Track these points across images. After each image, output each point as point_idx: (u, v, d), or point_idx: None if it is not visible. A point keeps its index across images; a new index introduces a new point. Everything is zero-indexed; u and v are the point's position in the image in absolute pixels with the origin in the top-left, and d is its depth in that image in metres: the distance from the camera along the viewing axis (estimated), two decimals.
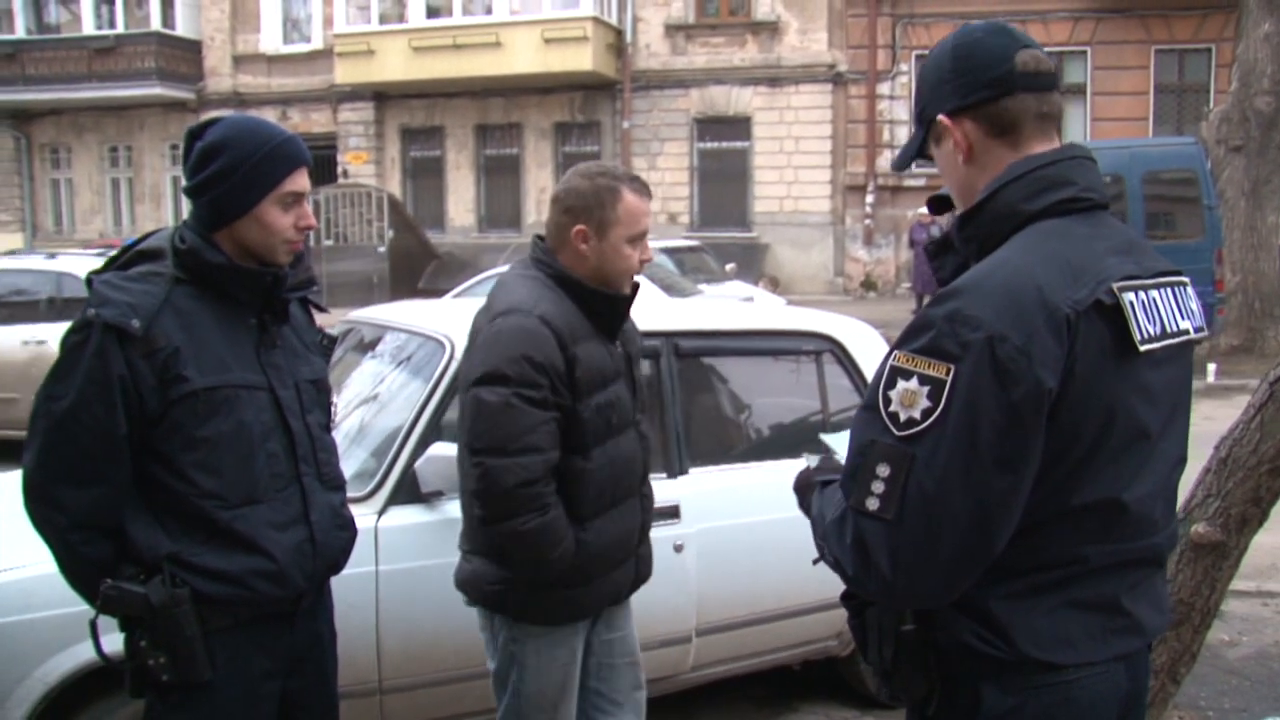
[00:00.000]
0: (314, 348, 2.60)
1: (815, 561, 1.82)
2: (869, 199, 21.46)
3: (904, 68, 21.31)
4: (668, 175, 22.56)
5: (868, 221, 21.64)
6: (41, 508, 2.24)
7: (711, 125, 22.57)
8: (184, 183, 2.41)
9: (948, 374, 1.54)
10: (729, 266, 16.41)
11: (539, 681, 2.89)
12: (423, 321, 3.96)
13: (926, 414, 1.55)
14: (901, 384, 1.58)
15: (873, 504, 1.59)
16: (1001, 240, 1.68)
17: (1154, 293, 1.67)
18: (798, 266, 21.86)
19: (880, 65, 21.37)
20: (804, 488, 1.96)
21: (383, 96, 24.09)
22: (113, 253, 2.47)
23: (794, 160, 21.92)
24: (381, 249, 21.45)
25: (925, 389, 1.55)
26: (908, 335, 1.62)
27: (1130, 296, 1.62)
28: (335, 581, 2.76)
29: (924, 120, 1.81)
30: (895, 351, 1.62)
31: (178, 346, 2.25)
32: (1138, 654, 1.75)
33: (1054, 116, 1.75)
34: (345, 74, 23.18)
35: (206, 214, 2.35)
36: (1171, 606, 3.01)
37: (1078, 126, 20.09)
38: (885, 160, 21.41)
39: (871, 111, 21.47)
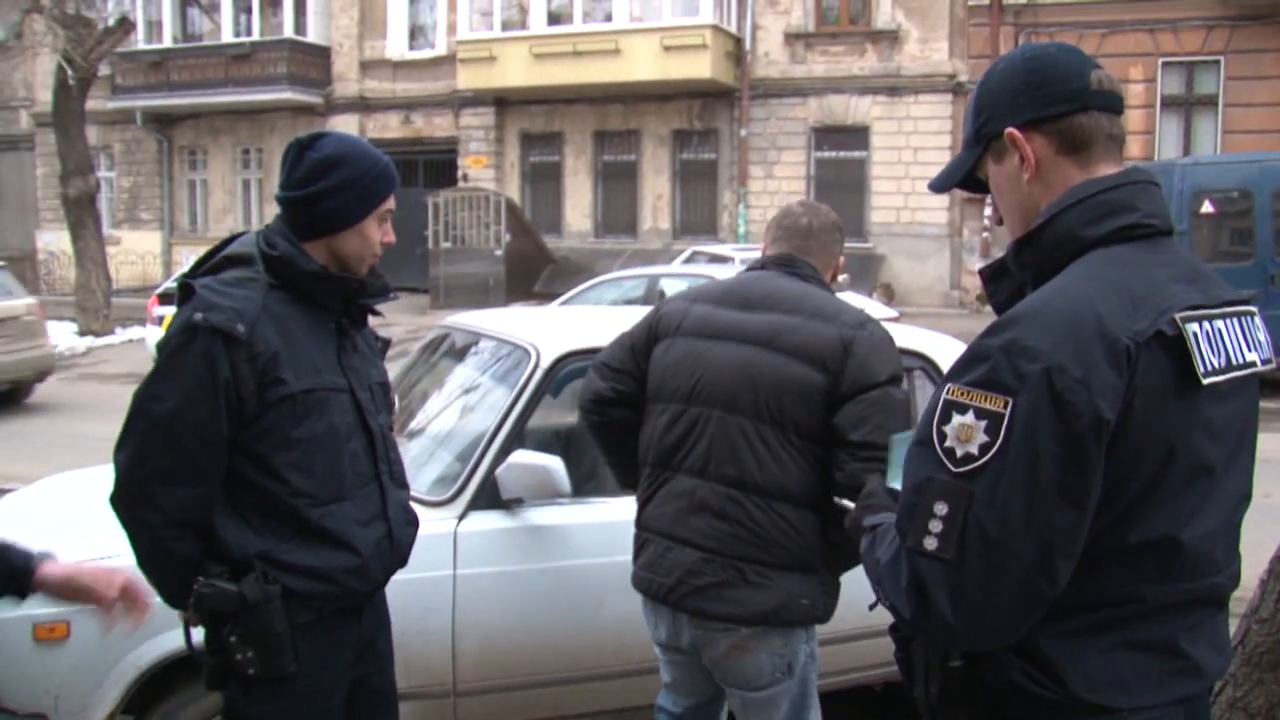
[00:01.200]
0: (377, 352, 2.69)
1: (872, 606, 1.78)
2: (987, 211, 20.96)
3: None
4: (785, 184, 22.35)
5: (985, 234, 21.16)
6: (136, 506, 2.30)
7: (829, 134, 22.31)
8: (282, 190, 2.46)
9: (1005, 407, 1.49)
10: (842, 277, 16.05)
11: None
12: (512, 330, 4.01)
13: (984, 449, 1.50)
14: (957, 418, 1.53)
15: (931, 543, 1.54)
16: (1059, 267, 1.62)
17: (1219, 323, 1.60)
18: (913, 278, 21.53)
19: None
20: (853, 531, 1.92)
21: (503, 102, 24.32)
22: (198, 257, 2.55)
23: (912, 171, 21.48)
24: (498, 252, 21.67)
25: (982, 423, 1.50)
26: (962, 367, 1.57)
27: (1194, 327, 1.56)
28: (413, 584, 2.82)
29: (983, 136, 1.75)
30: (949, 384, 1.57)
31: (276, 351, 2.32)
32: (1198, 698, 1.67)
33: (1121, 140, 1.70)
34: (467, 80, 23.48)
35: (310, 222, 2.43)
36: (1269, 648, 2.88)
37: (1208, 139, 19.41)
38: None
39: None
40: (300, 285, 2.41)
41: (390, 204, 2.51)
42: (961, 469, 1.52)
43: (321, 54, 25.78)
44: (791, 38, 22.30)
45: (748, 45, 22.34)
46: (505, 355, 3.87)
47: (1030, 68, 1.71)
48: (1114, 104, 1.69)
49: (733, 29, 22.31)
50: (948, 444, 1.53)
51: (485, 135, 24.59)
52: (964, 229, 21.67)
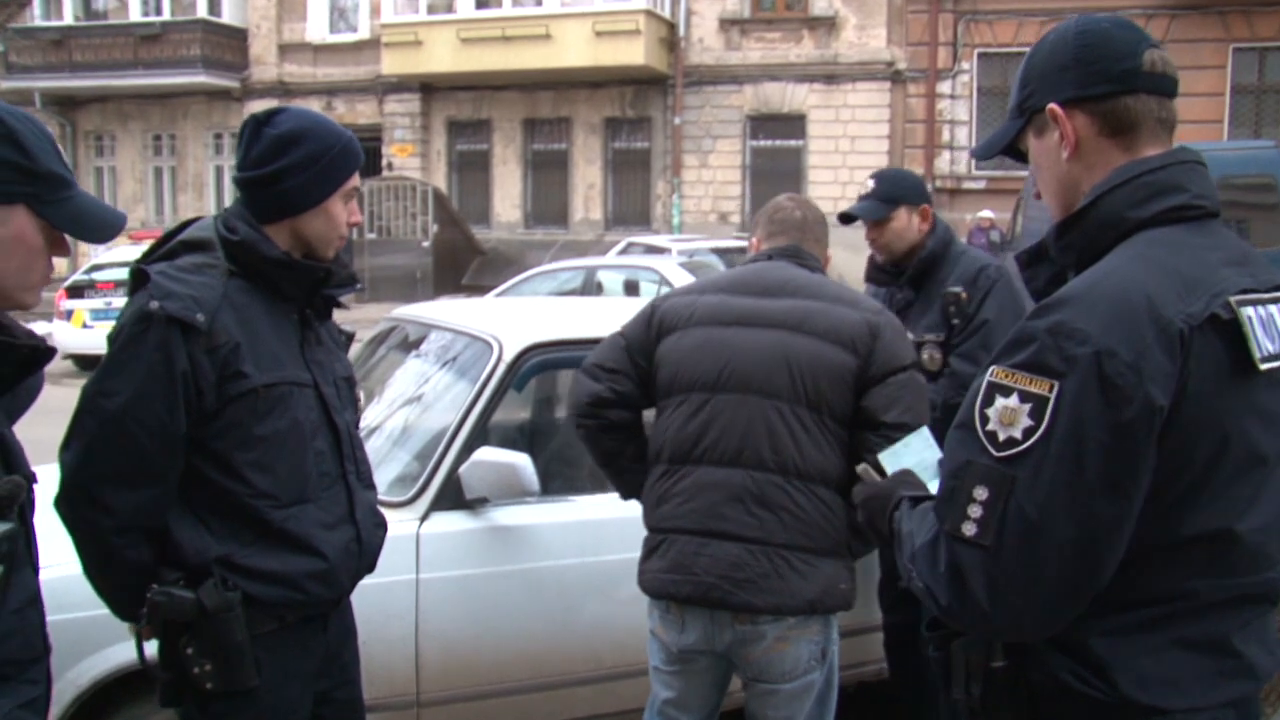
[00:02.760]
0: (341, 345, 2.63)
1: (901, 585, 1.76)
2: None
3: (965, 66, 21.06)
4: (719, 174, 22.53)
5: None
6: (84, 510, 2.19)
7: (765, 123, 22.46)
8: (239, 170, 2.39)
9: (1051, 390, 1.48)
10: None
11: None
12: (470, 321, 3.94)
13: (1028, 433, 1.48)
14: (1000, 401, 1.52)
15: (969, 529, 1.53)
16: (1104, 250, 1.60)
17: (1272, 308, 1.58)
18: (851, 269, 21.44)
19: (941, 63, 21.12)
20: (875, 503, 1.90)
21: (429, 88, 24.17)
22: (152, 242, 2.45)
23: (849, 160, 21.71)
24: (426, 244, 21.67)
25: (1027, 406, 1.49)
26: (1007, 349, 1.55)
27: (1249, 311, 1.53)
28: (375, 590, 2.74)
29: (1026, 109, 1.73)
30: (993, 366, 1.55)
31: (238, 342, 2.25)
32: (1249, 699, 1.65)
33: (1171, 124, 1.68)
34: (392, 65, 23.29)
35: (271, 203, 2.36)
36: None
37: None
38: (944, 162, 21.20)
39: (931, 111, 21.25)
40: (262, 273, 2.33)
41: (355, 181, 2.45)
42: (1004, 453, 1.51)
43: (238, 36, 25.35)
44: (727, 24, 22.38)
45: (682, 31, 22.39)
46: (465, 348, 3.81)
47: (1080, 42, 1.67)
48: (1166, 87, 1.66)
49: (666, 14, 22.35)
50: (990, 427, 1.52)
51: (411, 122, 24.45)
52: None
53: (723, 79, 22.41)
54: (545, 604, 3.46)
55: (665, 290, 10.53)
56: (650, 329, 2.94)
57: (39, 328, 17.62)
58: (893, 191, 3.73)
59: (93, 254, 16.62)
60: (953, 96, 21.26)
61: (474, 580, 3.37)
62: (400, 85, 24.12)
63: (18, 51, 25.18)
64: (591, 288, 11.90)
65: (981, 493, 1.52)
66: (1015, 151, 1.81)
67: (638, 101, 23.14)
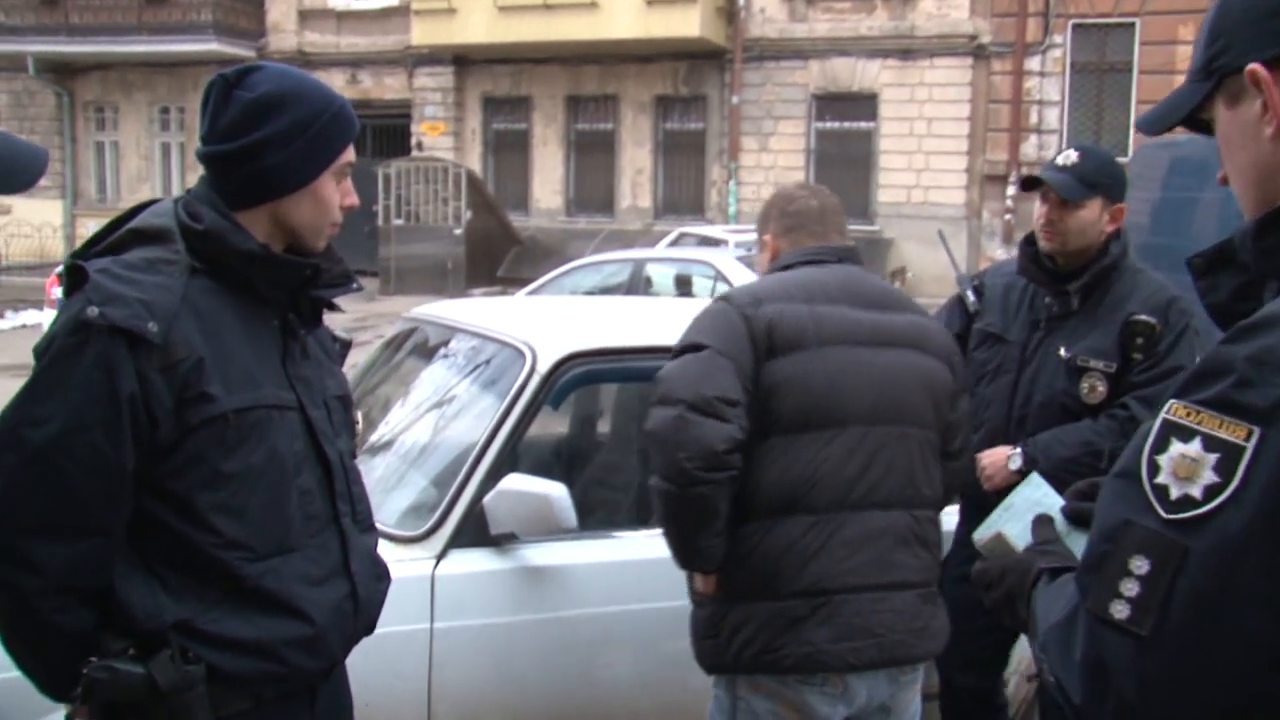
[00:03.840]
0: (334, 356, 2.43)
1: (1031, 679, 1.54)
2: (1010, 191, 21.01)
3: (1058, 39, 20.77)
4: (781, 159, 22.41)
5: (1008, 217, 21.14)
6: (4, 568, 1.97)
7: (832, 103, 22.34)
8: (205, 143, 2.17)
9: (1248, 439, 1.24)
10: None
11: None
12: (500, 325, 3.83)
13: (1211, 492, 1.26)
14: (1178, 447, 1.29)
15: (1120, 610, 1.30)
16: None
17: None
18: (925, 266, 21.45)
19: (1030, 36, 20.83)
20: (1013, 578, 1.66)
21: (463, 61, 24.24)
22: (94, 231, 2.22)
23: (925, 145, 21.61)
24: (458, 231, 21.71)
25: (1212, 457, 1.26)
26: (1194, 381, 1.32)
27: None
28: (380, 642, 2.60)
29: (1215, 70, 1.48)
30: (1173, 401, 1.32)
31: (200, 357, 2.03)
32: None
33: None
34: (422, 35, 23.36)
35: (247, 184, 2.14)
36: None
37: (1120, 109, 19.93)
38: (1032, 147, 20.89)
39: (1018, 90, 20.95)
40: (234, 270, 2.12)
41: (350, 155, 2.24)
42: (1176, 515, 1.28)
43: (254, 1, 25.47)
44: None
45: (741, 1, 22.23)
46: (493, 356, 3.69)
47: None
48: None
49: None
50: (1160, 479, 1.30)
51: (443, 98, 24.52)
52: (984, 211, 21.72)
53: (786, 53, 22.28)
54: (581, 659, 3.37)
55: (722, 288, 10.31)
56: (755, 345, 2.71)
57: (30, 316, 17.77)
58: (1097, 175, 3.40)
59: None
60: (1042, 74, 20.95)
61: (499, 631, 3.27)
62: (431, 57, 24.18)
63: (6, 11, 25.47)
64: (639, 283, 11.80)
65: (1141, 564, 1.30)
66: (1197, 122, 1.56)
67: (692, 78, 23.09)
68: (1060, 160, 3.45)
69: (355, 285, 2.34)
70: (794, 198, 3.07)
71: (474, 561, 3.28)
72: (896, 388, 2.77)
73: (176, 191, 24.72)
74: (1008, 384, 3.47)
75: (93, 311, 1.94)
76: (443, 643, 3.19)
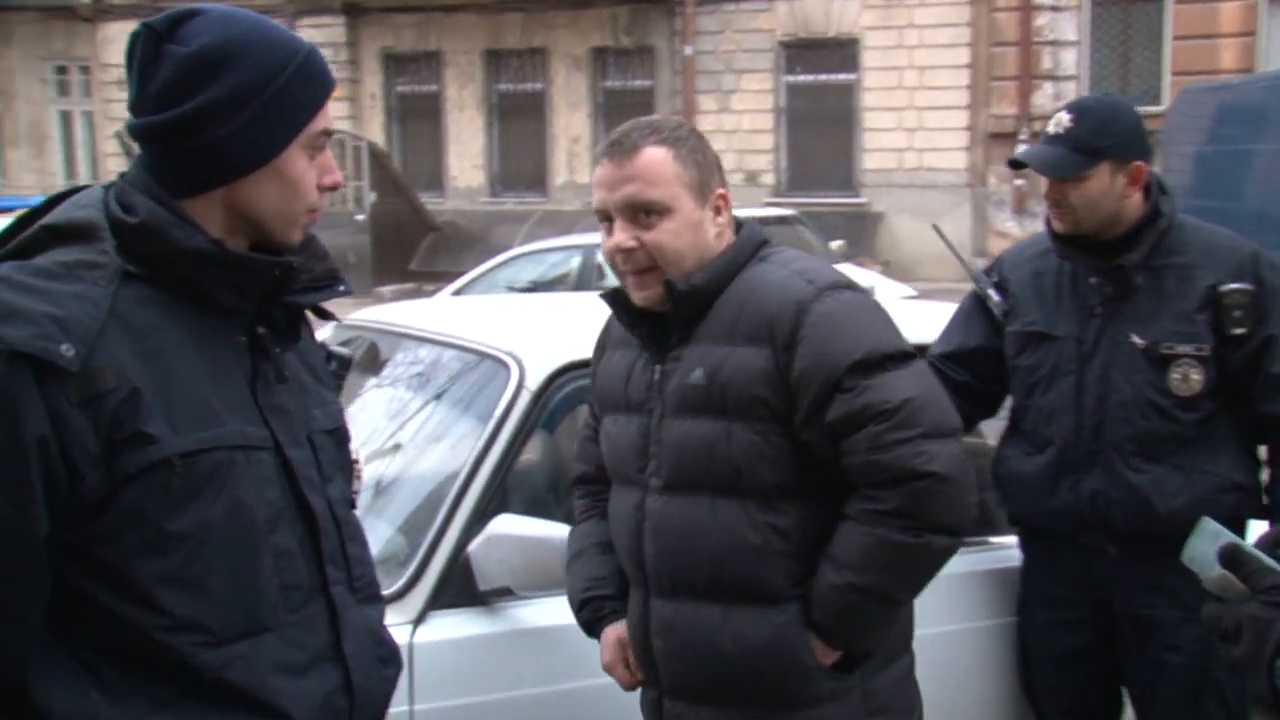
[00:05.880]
0: (325, 379, 2.36)
1: None
2: (1020, 149, 21.14)
3: None
4: (745, 120, 22.72)
5: (1019, 182, 21.28)
6: None
7: (804, 51, 22.65)
8: (135, 115, 2.08)
9: None
10: (835, 245, 16.33)
11: None
12: (473, 331, 3.85)
13: None
14: None
15: None
16: None
17: None
18: (921, 244, 21.52)
19: None
20: (1258, 626, 1.64)
21: (356, 10, 24.50)
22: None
23: (917, 99, 21.90)
24: (360, 217, 21.79)
25: None
26: None
27: None
28: None
29: None
30: None
31: (135, 387, 1.93)
32: None
33: None
34: None
35: (193, 165, 2.05)
36: None
37: (1151, 48, 20.29)
38: (1045, 96, 21.11)
39: (1026, 30, 21.23)
40: (180, 274, 2.03)
41: (326, 120, 2.17)
42: None
43: None
44: None
45: None
46: (467, 370, 3.70)
47: None
48: None
49: None
50: None
51: (333, 55, 24.52)
52: (990, 176, 21.96)
53: None
54: None
55: None
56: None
57: None
58: (1096, 137, 3.39)
59: None
60: (1056, 8, 21.21)
61: (492, 711, 3.23)
62: (317, 6, 24.34)
63: None
64: (590, 274, 11.86)
65: None
66: None
67: (635, 26, 23.38)
68: (1052, 127, 3.50)
69: (343, 288, 2.26)
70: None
71: (460, 625, 3.25)
72: None
73: (83, 177, 24.49)
74: (1070, 387, 3.46)
75: None
76: None
